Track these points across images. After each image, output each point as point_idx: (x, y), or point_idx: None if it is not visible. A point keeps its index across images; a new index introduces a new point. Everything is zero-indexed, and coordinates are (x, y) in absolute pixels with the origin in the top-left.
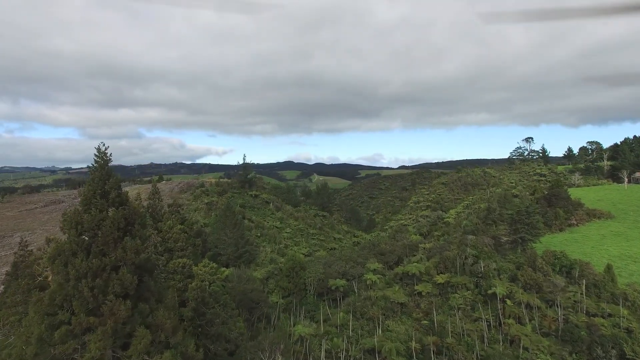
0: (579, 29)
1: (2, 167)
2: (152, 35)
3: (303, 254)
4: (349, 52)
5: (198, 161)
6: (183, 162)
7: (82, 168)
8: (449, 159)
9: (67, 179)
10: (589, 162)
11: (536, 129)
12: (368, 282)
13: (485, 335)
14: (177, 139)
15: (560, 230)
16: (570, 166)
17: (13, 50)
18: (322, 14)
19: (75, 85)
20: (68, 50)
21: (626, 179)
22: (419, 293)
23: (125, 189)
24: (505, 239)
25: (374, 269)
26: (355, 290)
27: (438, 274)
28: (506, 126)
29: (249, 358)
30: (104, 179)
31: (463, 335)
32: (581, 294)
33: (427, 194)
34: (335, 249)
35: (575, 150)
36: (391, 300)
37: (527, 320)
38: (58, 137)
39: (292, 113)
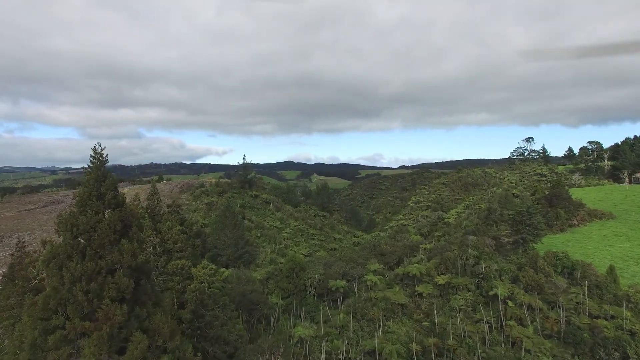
0: (579, 29)
1: (2, 167)
2: (152, 35)
3: (303, 255)
4: (348, 52)
5: (198, 161)
6: (183, 162)
7: (82, 168)
8: (449, 159)
9: (67, 179)
10: (590, 162)
11: (536, 129)
12: (368, 283)
13: (487, 337)
14: (177, 139)
15: (562, 230)
16: (571, 166)
17: (13, 50)
18: (322, 14)
19: (75, 85)
20: (68, 50)
21: (627, 179)
22: (420, 294)
23: (125, 189)
24: (507, 239)
25: (375, 270)
26: (356, 291)
27: (439, 275)
28: (506, 126)
29: None
30: (100, 180)
31: (464, 337)
32: (583, 295)
33: (428, 194)
34: (335, 249)
35: (576, 150)
36: (392, 301)
37: (529, 322)
38: (58, 137)
39: (292, 113)
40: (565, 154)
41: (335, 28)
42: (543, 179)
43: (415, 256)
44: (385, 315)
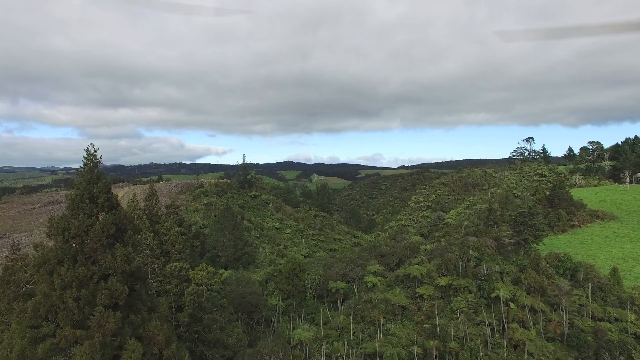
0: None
1: (1, 167)
2: (151, 35)
3: (303, 256)
4: (348, 52)
5: (198, 161)
6: (183, 162)
7: (80, 168)
8: (448, 158)
9: (67, 179)
10: (590, 162)
11: (536, 129)
12: (369, 285)
13: (489, 339)
14: (177, 139)
15: (563, 231)
16: (571, 166)
17: (11, 49)
18: (321, 12)
19: (74, 84)
20: (66, 49)
21: (628, 180)
22: (421, 296)
23: (125, 189)
24: (508, 240)
25: (375, 271)
26: (356, 292)
27: (440, 277)
28: (506, 126)
29: None
30: (93, 182)
31: (466, 339)
32: (586, 297)
33: (428, 194)
34: (335, 250)
35: (576, 150)
36: (392, 303)
37: (532, 325)
38: (57, 137)
39: (292, 113)
40: (565, 154)
41: (334, 27)
42: (543, 179)
43: (415, 257)
44: (385, 317)
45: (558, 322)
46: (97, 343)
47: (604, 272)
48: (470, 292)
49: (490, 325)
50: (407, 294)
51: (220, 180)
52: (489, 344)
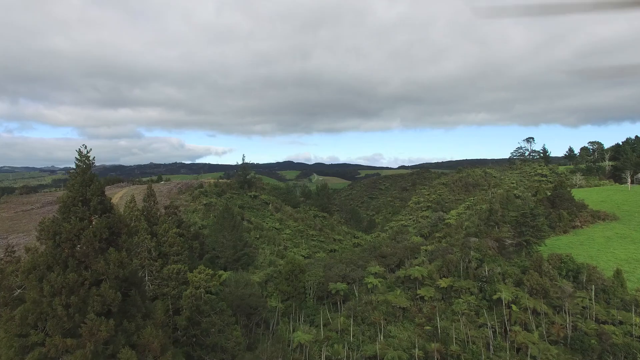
0: (578, 29)
1: (1, 167)
2: (150, 34)
3: (302, 256)
4: (348, 52)
5: (198, 161)
6: (183, 162)
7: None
8: (448, 159)
9: (67, 179)
10: (591, 162)
11: (536, 129)
12: (369, 286)
13: (491, 342)
14: (177, 139)
15: (565, 232)
16: (572, 166)
17: (11, 49)
18: (321, 12)
19: (74, 84)
20: (66, 49)
21: (629, 180)
22: (422, 297)
23: (124, 189)
24: (510, 241)
25: (375, 272)
26: (356, 294)
27: (441, 278)
28: (506, 126)
29: None
30: (85, 185)
31: (467, 342)
32: (590, 299)
33: (428, 195)
34: (335, 250)
35: (577, 150)
36: (393, 304)
37: (534, 327)
38: (57, 137)
39: (292, 113)
40: (566, 154)
41: (334, 27)
42: (544, 179)
43: (416, 258)
44: (386, 319)
45: (561, 324)
46: (89, 352)
47: (607, 274)
48: (471, 294)
49: (492, 327)
50: (407, 295)
51: (220, 180)
52: (491, 346)
